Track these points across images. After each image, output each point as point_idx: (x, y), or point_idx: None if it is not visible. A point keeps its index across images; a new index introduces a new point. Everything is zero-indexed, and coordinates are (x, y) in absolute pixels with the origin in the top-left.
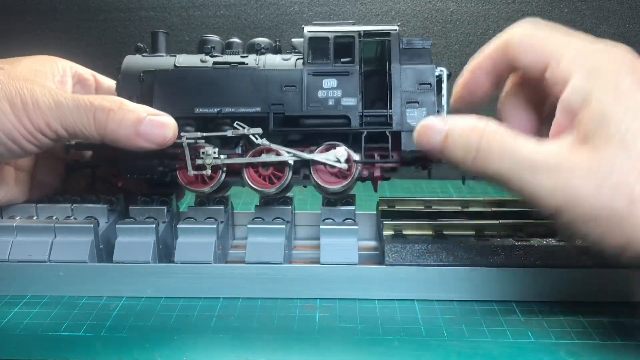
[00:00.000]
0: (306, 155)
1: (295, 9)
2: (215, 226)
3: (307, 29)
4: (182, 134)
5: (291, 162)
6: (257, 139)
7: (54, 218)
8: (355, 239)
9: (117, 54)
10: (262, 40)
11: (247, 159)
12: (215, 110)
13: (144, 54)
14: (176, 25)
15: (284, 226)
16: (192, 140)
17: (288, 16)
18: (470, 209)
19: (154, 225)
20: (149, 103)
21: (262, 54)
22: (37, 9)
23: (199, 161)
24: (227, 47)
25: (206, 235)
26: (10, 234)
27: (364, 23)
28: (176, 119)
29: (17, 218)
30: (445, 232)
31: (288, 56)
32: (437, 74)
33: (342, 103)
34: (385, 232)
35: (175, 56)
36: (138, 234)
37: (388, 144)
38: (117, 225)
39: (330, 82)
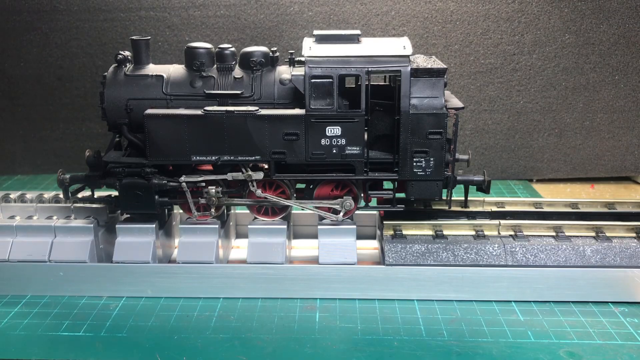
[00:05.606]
0: (307, 207)
1: (295, 9)
2: (217, 226)
3: (308, 54)
4: (182, 177)
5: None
6: (253, 185)
7: (54, 218)
8: (354, 238)
9: None
10: (256, 51)
11: (251, 201)
12: (214, 158)
13: (126, 66)
14: (176, 25)
15: (284, 226)
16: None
17: (288, 16)
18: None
19: (154, 225)
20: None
21: (257, 69)
22: (37, 8)
23: (202, 201)
24: (219, 59)
25: (208, 235)
26: (10, 234)
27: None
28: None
29: (17, 218)
30: (445, 232)
31: (287, 77)
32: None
33: (346, 151)
34: (385, 232)
35: (162, 77)
36: (138, 234)
37: (392, 188)
38: (117, 225)
39: (334, 130)
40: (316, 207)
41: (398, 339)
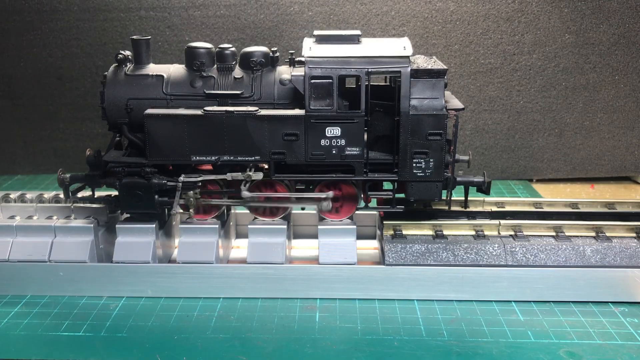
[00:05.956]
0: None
1: (295, 9)
2: (217, 226)
3: (308, 54)
4: (181, 177)
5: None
6: (244, 185)
7: (54, 218)
8: (354, 239)
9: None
10: (257, 51)
11: (230, 201)
12: (214, 158)
13: (127, 65)
14: (176, 25)
15: (284, 226)
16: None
17: (288, 16)
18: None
19: (154, 225)
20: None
21: (258, 69)
22: (37, 8)
23: (181, 201)
24: (219, 59)
25: (208, 235)
26: (10, 234)
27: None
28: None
29: (17, 218)
30: (445, 232)
31: (287, 78)
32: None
33: (346, 152)
34: (385, 232)
35: (162, 77)
36: (138, 234)
37: (392, 189)
38: (117, 225)
39: (333, 130)
40: (298, 199)
41: (398, 339)
